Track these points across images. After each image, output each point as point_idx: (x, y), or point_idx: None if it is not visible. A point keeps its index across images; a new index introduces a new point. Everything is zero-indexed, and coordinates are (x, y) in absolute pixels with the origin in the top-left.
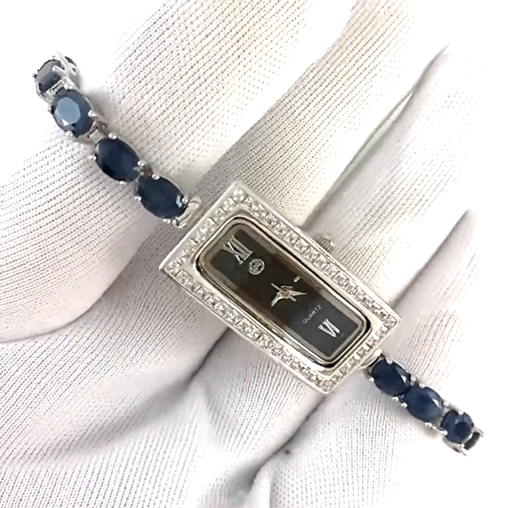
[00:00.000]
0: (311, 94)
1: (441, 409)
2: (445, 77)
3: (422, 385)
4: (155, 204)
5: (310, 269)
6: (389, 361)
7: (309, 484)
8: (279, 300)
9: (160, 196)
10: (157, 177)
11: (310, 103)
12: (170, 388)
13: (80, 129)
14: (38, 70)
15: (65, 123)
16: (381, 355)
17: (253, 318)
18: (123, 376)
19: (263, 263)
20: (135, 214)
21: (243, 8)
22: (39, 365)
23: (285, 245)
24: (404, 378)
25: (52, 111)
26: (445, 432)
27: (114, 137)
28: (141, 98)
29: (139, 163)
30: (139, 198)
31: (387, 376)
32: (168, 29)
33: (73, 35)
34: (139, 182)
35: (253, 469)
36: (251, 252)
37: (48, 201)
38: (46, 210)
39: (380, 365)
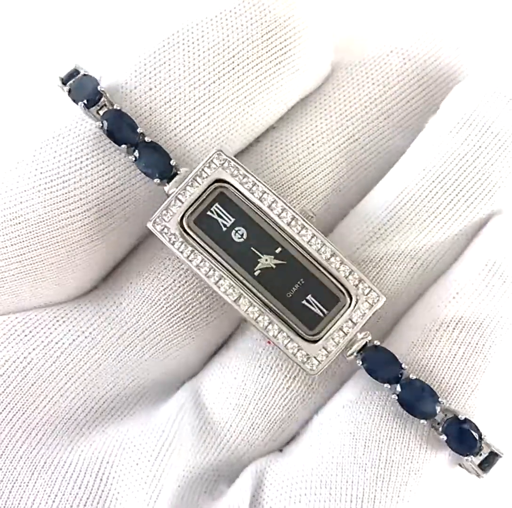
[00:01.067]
0: None
1: (434, 405)
2: (460, 99)
3: (413, 376)
4: (147, 164)
5: (291, 237)
6: (376, 343)
7: (295, 483)
8: (262, 269)
9: (152, 158)
10: (149, 140)
11: None
12: (164, 384)
13: (90, 102)
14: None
15: (79, 100)
16: (370, 340)
17: (234, 282)
18: (115, 363)
19: (245, 231)
20: (126, 180)
21: (238, 33)
22: (26, 337)
23: (266, 211)
24: (396, 365)
25: (70, 92)
26: (444, 437)
27: (118, 107)
28: (149, 90)
29: (138, 129)
30: (133, 158)
31: (378, 362)
32: (178, 43)
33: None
34: (135, 146)
35: (237, 467)
36: (234, 219)
37: (58, 173)
38: (56, 178)
39: (369, 350)
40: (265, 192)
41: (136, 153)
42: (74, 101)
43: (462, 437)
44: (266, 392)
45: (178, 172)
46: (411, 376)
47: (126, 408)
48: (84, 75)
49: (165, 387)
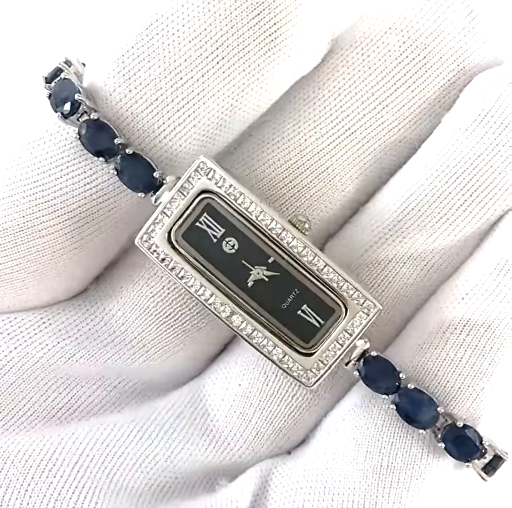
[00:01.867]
0: None
1: (436, 415)
2: (476, 96)
3: (411, 386)
4: (130, 177)
5: (282, 248)
6: (373, 353)
7: (300, 489)
8: (255, 281)
9: (135, 170)
10: (131, 152)
11: None
12: (159, 386)
13: (69, 111)
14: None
15: (58, 107)
16: (368, 349)
17: (226, 298)
18: (102, 368)
19: (236, 241)
20: (110, 190)
21: (221, 21)
22: (9, 335)
23: (255, 222)
24: (393, 375)
25: (50, 96)
26: (443, 445)
27: (95, 117)
28: (129, 92)
29: (115, 140)
30: (115, 172)
31: (375, 372)
32: (157, 34)
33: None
34: (116, 158)
35: (241, 471)
36: (224, 230)
37: (37, 181)
38: (34, 187)
39: (366, 359)
40: (252, 202)
41: (118, 166)
42: (53, 108)
43: (460, 444)
44: (272, 400)
45: (164, 182)
46: (409, 385)
47: (116, 407)
48: (65, 79)
49: (160, 389)
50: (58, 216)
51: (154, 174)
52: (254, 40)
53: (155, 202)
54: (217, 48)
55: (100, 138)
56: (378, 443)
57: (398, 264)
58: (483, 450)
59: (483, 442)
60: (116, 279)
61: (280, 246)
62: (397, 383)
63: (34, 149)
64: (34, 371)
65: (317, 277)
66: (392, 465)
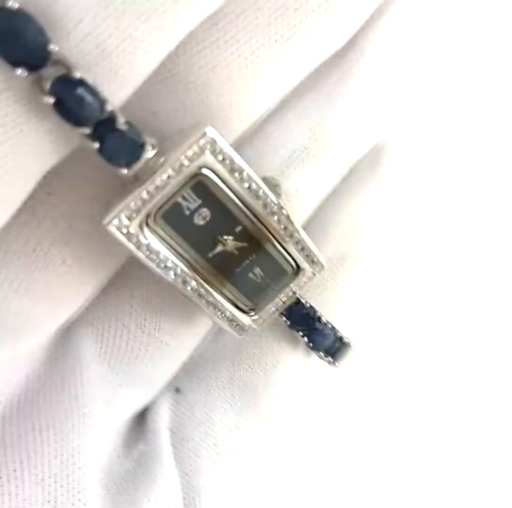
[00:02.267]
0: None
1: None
2: None
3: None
4: (113, 153)
5: (260, 220)
6: (307, 305)
7: (207, 427)
8: (218, 252)
9: (121, 145)
10: (122, 120)
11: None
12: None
13: (32, 63)
14: None
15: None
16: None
17: (193, 273)
18: None
19: (209, 213)
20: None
21: None
22: None
23: (241, 195)
24: (313, 318)
25: None
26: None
27: (78, 76)
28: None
29: (107, 107)
30: (96, 145)
31: (300, 318)
32: None
33: None
34: (98, 128)
35: (142, 412)
36: (200, 201)
37: None
38: None
39: (297, 308)
40: (245, 171)
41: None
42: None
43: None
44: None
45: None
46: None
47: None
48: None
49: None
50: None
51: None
52: None
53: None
54: None
55: (84, 105)
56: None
57: (304, 193)
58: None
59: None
60: None
61: (257, 216)
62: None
63: None
64: None
65: (282, 244)
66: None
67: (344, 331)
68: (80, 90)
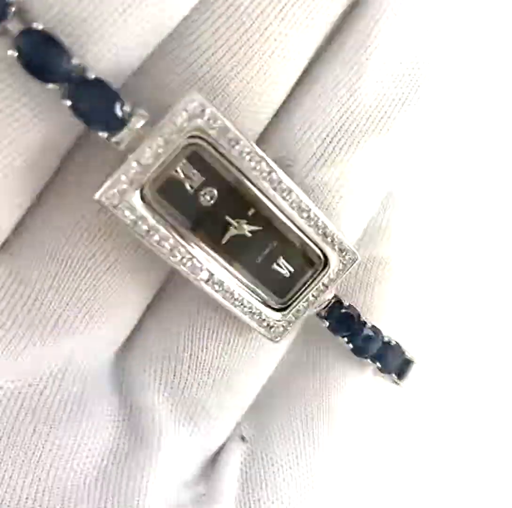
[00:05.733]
0: None
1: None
2: None
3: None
4: (88, 111)
5: (269, 198)
6: (345, 303)
7: (272, 473)
8: (231, 236)
9: (95, 101)
10: (93, 76)
11: None
12: (102, 363)
13: None
14: None
15: None
16: (335, 296)
17: (203, 258)
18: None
19: (215, 192)
20: (60, 123)
21: None
22: None
23: (244, 169)
24: (356, 319)
25: None
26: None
27: (40, 27)
28: None
29: (72, 60)
30: (68, 103)
31: (341, 319)
32: None
33: None
34: (69, 84)
35: (208, 457)
36: (204, 179)
37: None
38: None
39: (335, 308)
40: (241, 140)
41: (70, 94)
42: None
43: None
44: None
45: (132, 118)
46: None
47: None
48: None
49: (104, 366)
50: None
51: (123, 109)
52: None
53: (119, 144)
54: None
55: (49, 57)
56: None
57: (342, 183)
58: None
59: (389, 341)
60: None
61: (265, 194)
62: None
63: None
64: None
65: (300, 227)
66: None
67: (404, 344)
68: (41, 42)
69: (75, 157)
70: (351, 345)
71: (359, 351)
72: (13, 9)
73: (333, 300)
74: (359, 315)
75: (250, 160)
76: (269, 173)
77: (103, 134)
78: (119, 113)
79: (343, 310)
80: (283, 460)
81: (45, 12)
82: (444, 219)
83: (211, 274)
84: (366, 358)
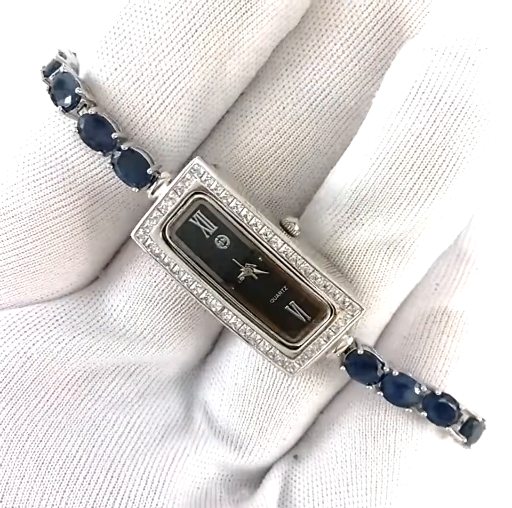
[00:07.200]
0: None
1: (421, 394)
2: (404, 70)
3: (395, 373)
4: (125, 173)
5: (271, 252)
6: (360, 351)
7: (316, 487)
8: (245, 278)
9: (130, 165)
10: (126, 148)
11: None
12: (161, 382)
13: (69, 105)
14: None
15: (58, 101)
16: (354, 343)
17: (217, 293)
18: (117, 360)
19: (228, 239)
20: (110, 184)
21: None
22: (26, 333)
23: (245, 226)
24: (378, 367)
25: (49, 90)
26: (425, 413)
27: (93, 112)
28: (114, 71)
29: (112, 135)
30: (111, 167)
31: (360, 365)
32: (136, 11)
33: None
34: (114, 152)
35: (253, 470)
36: (217, 227)
37: (45, 164)
38: (43, 170)
39: (352, 354)
40: (244, 206)
41: (114, 160)
42: (54, 102)
43: (440, 409)
44: (268, 394)
45: (160, 177)
46: (394, 372)
47: (127, 405)
48: (64, 72)
49: (163, 384)
50: (68, 197)
51: (148, 171)
52: (229, 3)
53: (152, 195)
54: (194, 17)
55: (97, 133)
56: (383, 431)
57: (361, 251)
58: (460, 414)
59: (460, 407)
60: (118, 272)
61: (270, 249)
62: (379, 374)
63: (38, 135)
64: (54, 367)
65: (304, 279)
66: (398, 449)
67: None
68: (92, 120)
69: None
70: (381, 393)
71: (393, 398)
72: (82, 100)
73: (351, 347)
74: (383, 363)
75: (246, 218)
76: (273, 235)
77: (135, 190)
78: (149, 172)
79: (361, 356)
80: (332, 483)
81: (101, 95)
82: None
83: (223, 307)
84: (406, 407)
